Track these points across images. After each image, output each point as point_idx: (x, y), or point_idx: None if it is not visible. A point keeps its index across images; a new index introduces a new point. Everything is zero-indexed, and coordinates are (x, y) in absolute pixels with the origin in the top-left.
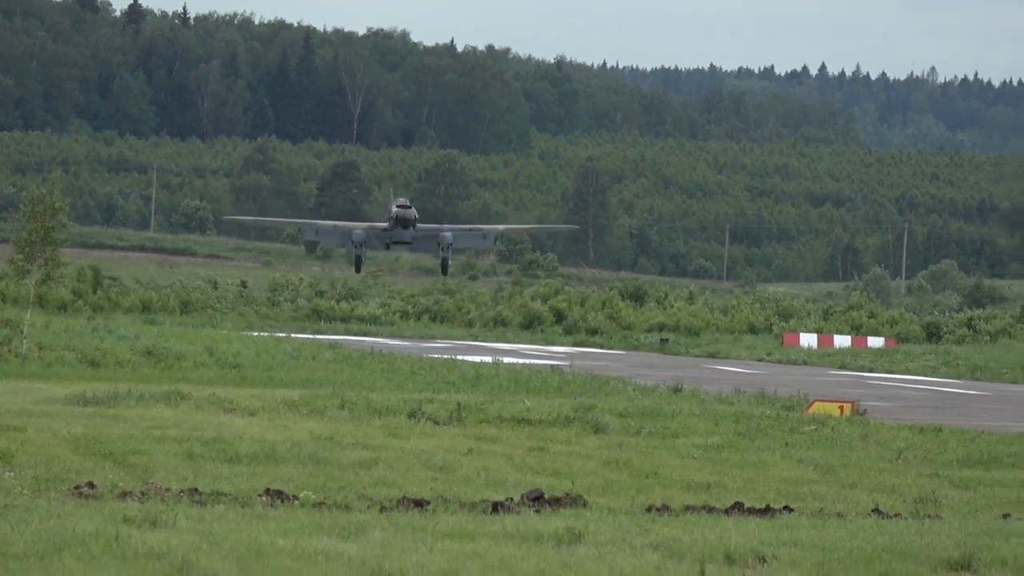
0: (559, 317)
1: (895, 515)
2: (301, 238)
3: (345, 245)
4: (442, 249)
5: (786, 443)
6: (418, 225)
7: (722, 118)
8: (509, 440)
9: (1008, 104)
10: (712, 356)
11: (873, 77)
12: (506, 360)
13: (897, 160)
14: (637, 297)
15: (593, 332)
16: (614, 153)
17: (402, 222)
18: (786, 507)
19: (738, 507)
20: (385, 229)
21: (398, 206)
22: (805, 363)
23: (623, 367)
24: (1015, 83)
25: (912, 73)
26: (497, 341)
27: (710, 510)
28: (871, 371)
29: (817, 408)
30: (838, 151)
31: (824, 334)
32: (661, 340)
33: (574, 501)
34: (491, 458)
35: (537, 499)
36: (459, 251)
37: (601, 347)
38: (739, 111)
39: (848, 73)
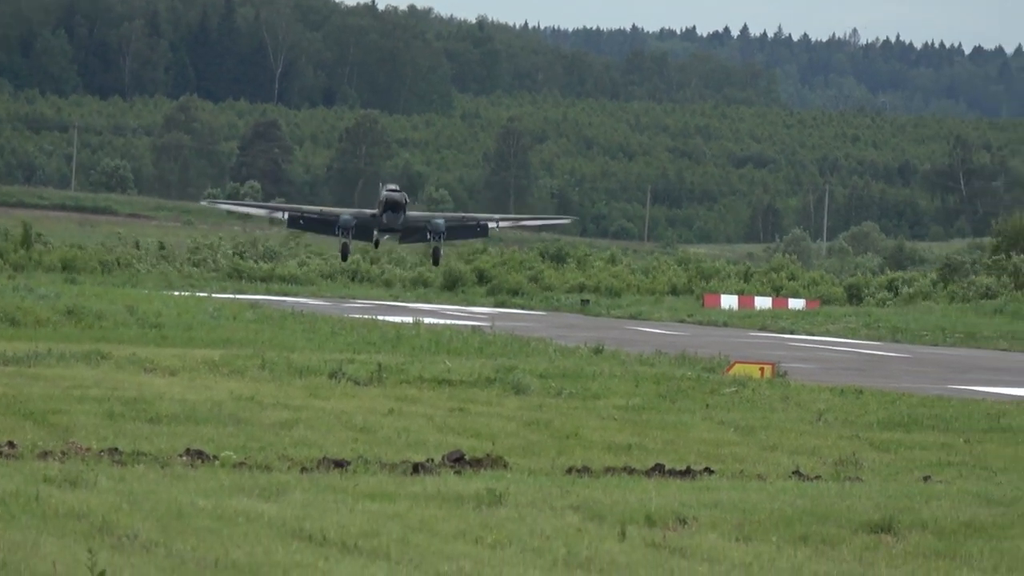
0: (481, 278)
1: (815, 477)
2: (284, 225)
3: (330, 232)
4: (433, 238)
5: (707, 405)
6: (408, 213)
7: (644, 79)
8: (430, 401)
9: (929, 66)
10: (633, 317)
11: (795, 39)
12: (427, 321)
13: (818, 122)
14: (558, 258)
15: (514, 293)
16: (535, 114)
17: (391, 206)
18: (707, 469)
19: (659, 469)
20: (374, 215)
21: (388, 190)
22: (726, 325)
23: (544, 328)
24: (936, 45)
25: (834, 35)
26: (418, 301)
27: (631, 472)
28: (792, 333)
29: (738, 370)
30: (760, 112)
31: (745, 296)
32: (582, 301)
33: (495, 462)
34: (412, 419)
35: (458, 460)
36: (451, 241)
37: (522, 308)
38: (661, 72)
39: (770, 34)
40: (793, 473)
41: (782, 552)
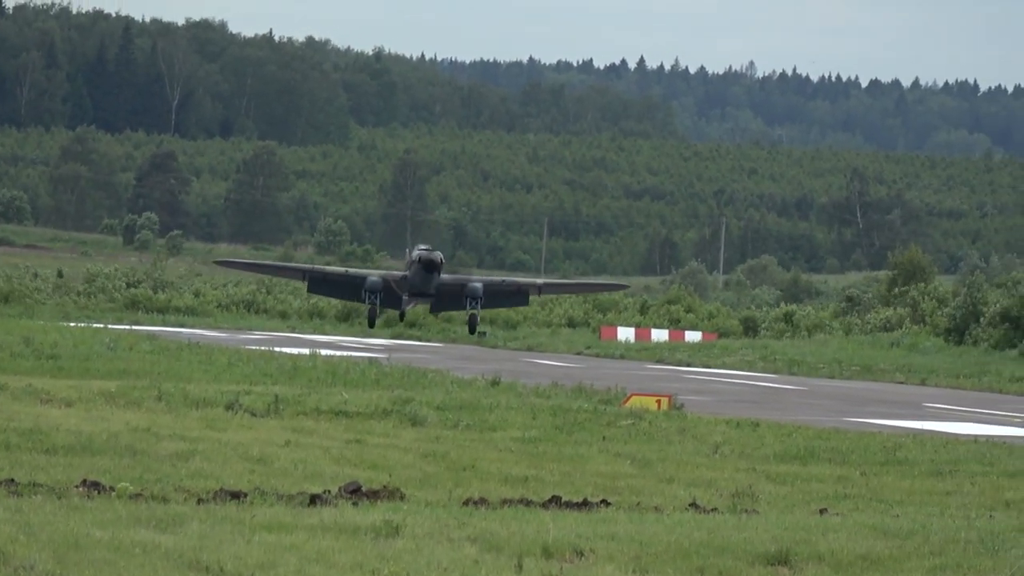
0: None
1: (712, 509)
2: (305, 287)
3: (356, 297)
4: (470, 304)
5: (603, 437)
6: (442, 276)
7: (541, 111)
8: (327, 432)
9: (826, 99)
10: (530, 349)
11: (692, 71)
12: (324, 352)
13: (715, 154)
14: None
15: (411, 324)
16: (432, 145)
17: (426, 265)
18: (603, 501)
19: (556, 500)
20: (404, 277)
21: (420, 248)
22: (623, 357)
23: (441, 360)
24: (833, 78)
25: (730, 67)
26: (314, 333)
27: (528, 503)
28: (688, 365)
29: (635, 402)
30: (657, 145)
31: (642, 328)
32: (479, 333)
33: (392, 494)
34: (309, 450)
35: (355, 492)
36: (489, 308)
37: (419, 339)
38: (558, 104)
39: (667, 67)
40: (690, 505)
41: None
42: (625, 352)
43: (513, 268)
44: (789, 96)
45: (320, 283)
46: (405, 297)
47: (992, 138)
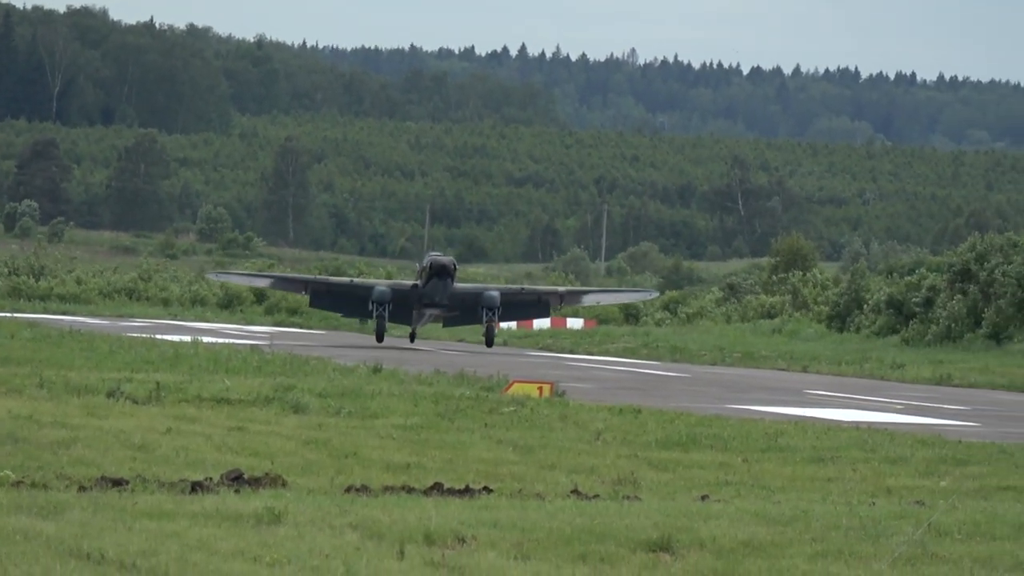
0: (259, 296)
1: (594, 496)
2: (308, 300)
3: (362, 311)
4: (486, 315)
5: (485, 424)
6: (456, 285)
7: (423, 98)
8: (208, 420)
9: (707, 86)
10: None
11: (573, 58)
12: (205, 339)
13: (597, 141)
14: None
15: (293, 312)
16: (314, 133)
17: (438, 271)
18: (485, 488)
19: (438, 488)
20: (415, 287)
21: (433, 254)
22: (505, 344)
23: (323, 347)
24: (714, 65)
25: (612, 55)
26: (196, 320)
27: (410, 491)
28: (571, 352)
29: (516, 389)
30: (538, 132)
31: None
32: (360, 320)
33: (273, 481)
34: (190, 438)
35: (236, 479)
36: (506, 320)
37: (301, 327)
38: (440, 91)
39: (548, 54)
40: (572, 492)
41: (561, 571)
42: (507, 339)
43: (395, 256)
44: (671, 83)
45: (323, 296)
46: (416, 311)
47: (874, 125)
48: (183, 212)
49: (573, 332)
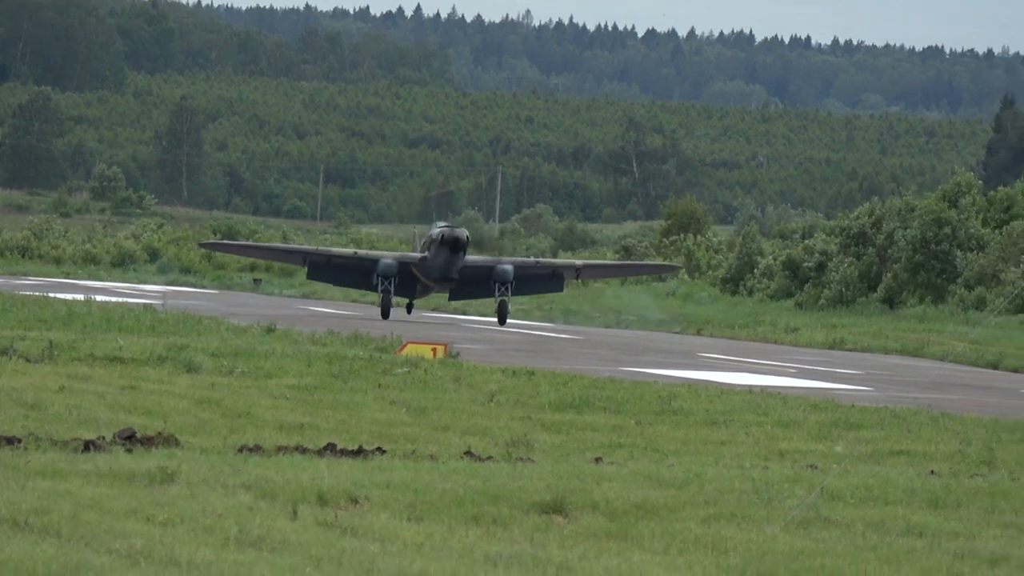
0: (152, 255)
1: (487, 458)
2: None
3: (365, 283)
4: (499, 290)
5: (379, 385)
6: (467, 257)
7: (317, 58)
8: (101, 379)
9: (603, 48)
10: (306, 296)
11: (468, 19)
12: (98, 298)
13: (492, 103)
14: (230, 237)
15: (187, 271)
16: (208, 92)
17: (451, 244)
18: (379, 449)
19: (331, 448)
20: (424, 259)
21: (442, 226)
22: (398, 305)
23: (217, 306)
24: (610, 28)
25: (507, 16)
26: (89, 279)
27: (303, 451)
28: (464, 314)
29: (410, 350)
30: (433, 93)
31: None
32: (254, 280)
33: (166, 440)
34: (83, 396)
35: (129, 438)
36: (518, 295)
37: (194, 286)
38: (335, 51)
39: (443, 15)
40: (465, 454)
41: (454, 532)
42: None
43: (289, 215)
44: (566, 45)
45: (323, 267)
46: (420, 284)
47: (768, 89)
48: (77, 170)
49: None
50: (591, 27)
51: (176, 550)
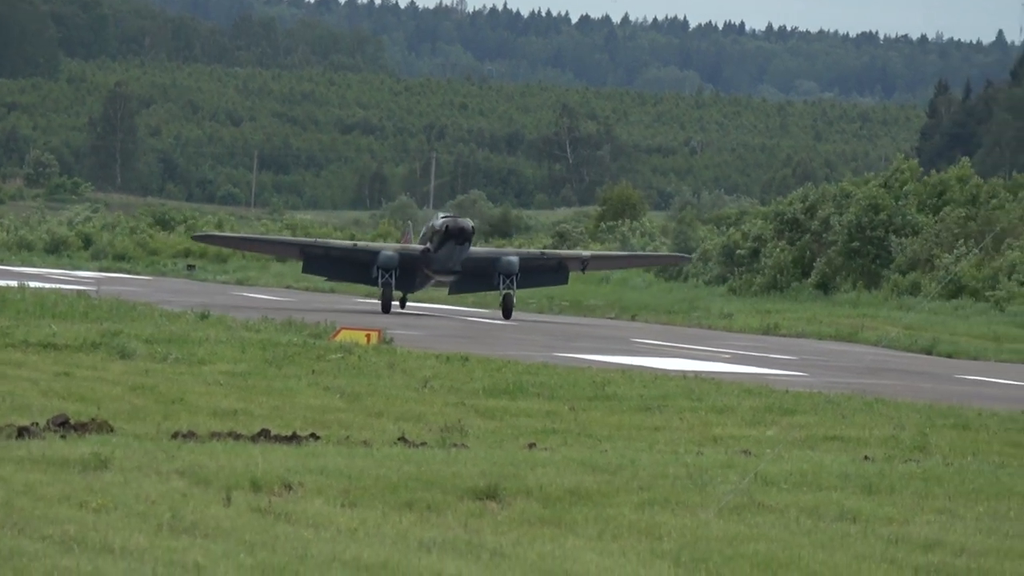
0: (86, 242)
1: (421, 444)
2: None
3: (364, 277)
4: (503, 283)
5: (313, 371)
6: (471, 247)
7: (251, 44)
8: (35, 365)
9: (536, 35)
10: (240, 283)
11: (402, 6)
12: (32, 284)
13: (426, 89)
14: (165, 223)
15: (120, 258)
16: (143, 78)
17: (456, 235)
18: (313, 435)
19: (265, 434)
20: (427, 251)
21: (445, 216)
22: (333, 291)
23: (150, 293)
24: (543, 14)
25: (441, 2)
26: (22, 265)
27: (237, 437)
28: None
29: (344, 336)
30: (367, 79)
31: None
32: (188, 266)
33: (100, 427)
34: (16, 383)
35: (63, 424)
36: (523, 288)
37: (128, 272)
38: (269, 37)
39: (377, 1)
40: (399, 439)
41: (387, 518)
42: (335, 286)
43: (223, 201)
44: (500, 31)
45: (319, 260)
46: (420, 275)
47: (702, 75)
48: (10, 157)
49: None
50: (525, 13)
51: (110, 536)
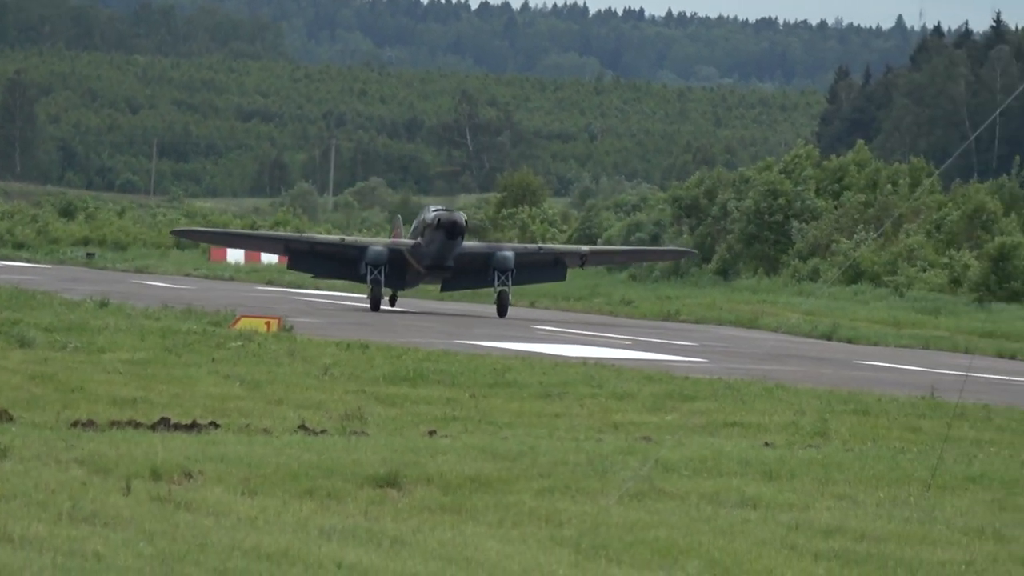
0: None
1: (321, 431)
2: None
3: (352, 274)
4: (499, 279)
5: (213, 359)
6: (463, 242)
7: (151, 31)
8: None
9: (436, 21)
10: (140, 271)
11: None
12: None
13: (325, 76)
14: (66, 212)
15: (20, 246)
16: (42, 66)
17: (448, 229)
18: (213, 423)
19: (164, 423)
20: (417, 246)
21: (437, 209)
22: (232, 279)
23: (50, 281)
24: (442, 0)
25: None
26: None
27: (136, 425)
28: (298, 288)
29: (244, 324)
30: (266, 67)
31: (251, 250)
32: (87, 255)
33: None
34: None
35: None
36: (519, 284)
37: (27, 261)
38: (168, 25)
39: None
40: (299, 427)
41: (288, 506)
42: (235, 274)
43: (123, 190)
44: (399, 18)
45: (305, 256)
46: (410, 271)
47: (602, 61)
48: None
49: None
50: (424, 0)
51: (9, 525)
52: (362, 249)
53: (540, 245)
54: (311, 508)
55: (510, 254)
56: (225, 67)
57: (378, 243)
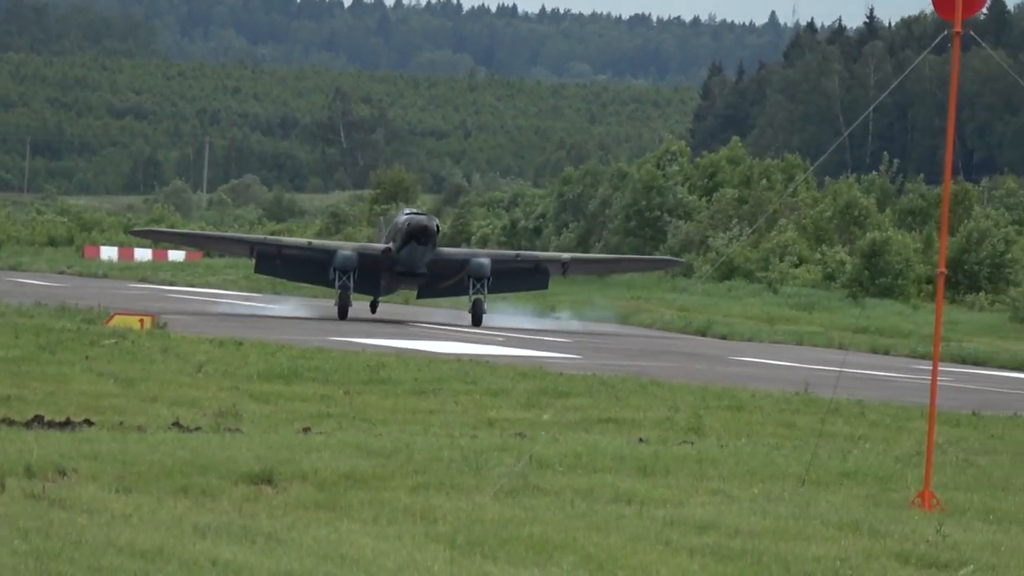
0: None
1: (196, 428)
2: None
3: (320, 278)
4: (474, 287)
5: (87, 356)
6: (438, 249)
7: (23, 29)
8: None
9: (310, 19)
10: (13, 269)
11: None
12: None
13: (199, 73)
14: None
15: None
16: None
17: (417, 235)
18: (87, 420)
19: (38, 420)
20: (388, 251)
21: (409, 213)
22: (106, 276)
23: None
24: None
25: None
26: None
27: (10, 423)
28: (172, 285)
29: (118, 321)
30: (139, 64)
31: (125, 247)
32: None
33: None
34: None
35: None
36: (496, 292)
37: None
38: (40, 23)
39: None
40: (173, 424)
41: (162, 503)
42: (108, 271)
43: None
44: (273, 15)
45: (272, 260)
46: (385, 278)
47: (476, 58)
48: None
49: (174, 264)
50: None
51: None
52: (330, 253)
53: (518, 252)
54: (185, 505)
55: (486, 261)
56: (98, 65)
57: (347, 248)
